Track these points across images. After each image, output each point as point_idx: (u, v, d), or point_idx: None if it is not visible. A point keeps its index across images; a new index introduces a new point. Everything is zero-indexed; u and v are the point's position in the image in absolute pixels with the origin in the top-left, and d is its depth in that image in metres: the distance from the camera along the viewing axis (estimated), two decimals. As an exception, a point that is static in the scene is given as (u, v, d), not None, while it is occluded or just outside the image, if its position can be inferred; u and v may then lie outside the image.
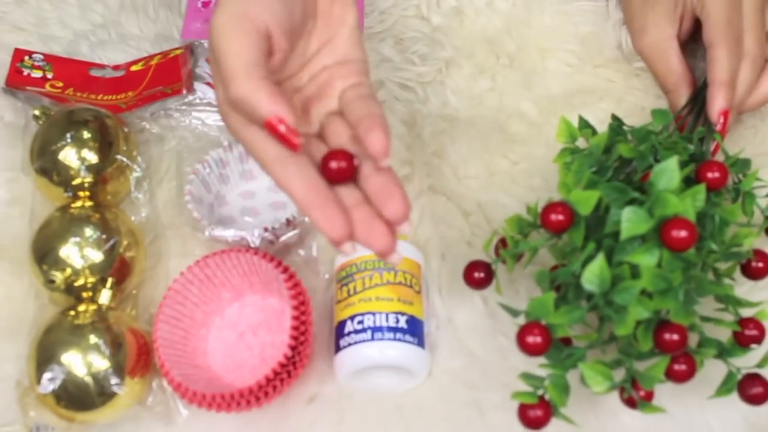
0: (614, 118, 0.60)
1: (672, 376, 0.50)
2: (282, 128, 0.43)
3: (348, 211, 0.44)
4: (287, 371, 0.55)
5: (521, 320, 0.50)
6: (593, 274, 0.47)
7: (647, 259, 0.47)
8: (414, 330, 0.57)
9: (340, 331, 0.57)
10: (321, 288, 0.62)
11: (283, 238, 0.62)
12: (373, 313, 0.56)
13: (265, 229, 0.61)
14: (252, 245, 0.61)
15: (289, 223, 0.61)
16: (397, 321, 0.56)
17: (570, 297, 0.50)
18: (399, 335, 0.56)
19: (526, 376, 0.50)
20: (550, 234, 0.52)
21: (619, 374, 0.50)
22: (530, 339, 0.48)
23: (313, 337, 0.58)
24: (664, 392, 0.54)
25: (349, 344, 0.56)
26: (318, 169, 0.45)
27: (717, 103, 0.60)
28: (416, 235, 0.64)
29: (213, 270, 0.59)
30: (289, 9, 0.48)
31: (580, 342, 0.51)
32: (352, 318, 0.57)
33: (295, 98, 0.50)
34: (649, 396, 0.51)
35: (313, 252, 0.64)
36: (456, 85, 0.72)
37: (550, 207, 0.51)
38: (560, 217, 0.50)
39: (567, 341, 0.51)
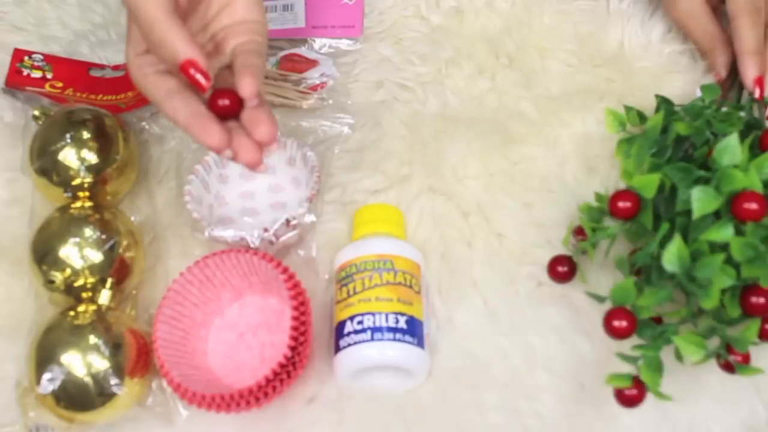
0: (663, 99, 0.62)
1: (766, 336, 0.52)
2: (193, 71, 0.50)
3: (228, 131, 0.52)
4: (287, 372, 0.55)
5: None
6: (673, 255, 0.49)
7: (724, 234, 0.49)
8: (414, 330, 0.57)
9: (339, 331, 0.57)
10: (321, 288, 0.62)
11: (282, 239, 0.62)
12: (373, 314, 0.56)
13: (265, 230, 0.61)
14: (251, 246, 0.61)
15: (289, 224, 0.61)
16: (397, 321, 0.56)
17: (653, 278, 0.52)
18: (399, 336, 0.56)
19: (623, 356, 0.51)
20: (620, 221, 0.54)
21: (713, 344, 0.51)
22: (616, 323, 0.51)
23: (313, 337, 0.58)
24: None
25: (349, 345, 0.56)
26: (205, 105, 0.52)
27: (749, 72, 0.62)
28: (416, 236, 0.64)
29: (213, 270, 0.59)
30: None
31: (671, 318, 0.53)
32: (351, 318, 0.57)
33: None
34: (746, 359, 0.52)
35: (312, 252, 0.64)
36: (456, 85, 0.72)
37: (617, 195, 0.54)
38: (628, 204, 0.54)
39: (657, 320, 0.53)
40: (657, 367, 0.50)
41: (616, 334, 0.51)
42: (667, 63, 0.71)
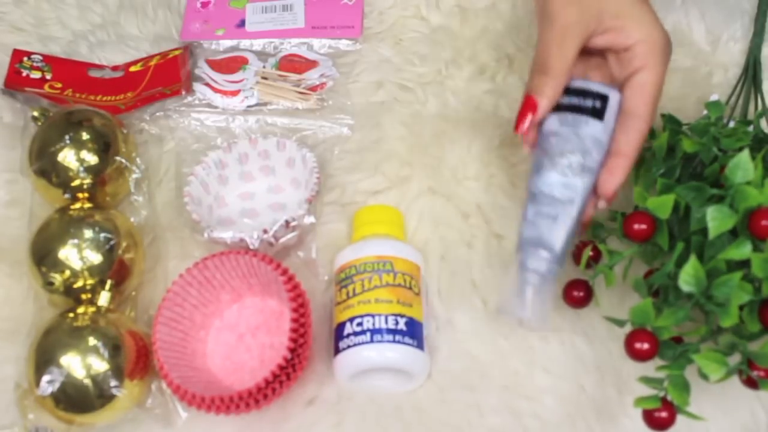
0: (669, 117, 0.61)
1: None
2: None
3: None
4: (286, 373, 0.55)
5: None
6: (689, 276, 0.49)
7: (743, 252, 0.48)
8: (413, 332, 0.57)
9: (339, 333, 0.57)
10: (320, 290, 0.62)
11: (282, 240, 0.62)
12: (373, 315, 0.56)
13: (264, 231, 0.61)
14: (251, 247, 0.61)
15: (288, 225, 0.61)
16: (397, 323, 0.56)
17: (671, 298, 0.52)
18: (398, 337, 0.56)
19: (647, 380, 0.51)
20: (635, 243, 0.54)
21: (734, 359, 0.50)
22: (638, 345, 0.50)
23: (313, 339, 0.58)
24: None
25: (349, 346, 0.56)
26: None
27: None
28: (415, 237, 0.64)
29: (212, 272, 0.59)
30: None
31: (692, 338, 0.52)
32: (351, 320, 0.57)
33: None
34: None
35: (312, 254, 0.63)
36: (456, 86, 0.71)
37: (632, 217, 0.53)
38: (643, 226, 0.53)
39: (678, 339, 0.53)
40: (684, 387, 0.50)
41: (639, 356, 0.50)
42: (667, 64, 0.71)
